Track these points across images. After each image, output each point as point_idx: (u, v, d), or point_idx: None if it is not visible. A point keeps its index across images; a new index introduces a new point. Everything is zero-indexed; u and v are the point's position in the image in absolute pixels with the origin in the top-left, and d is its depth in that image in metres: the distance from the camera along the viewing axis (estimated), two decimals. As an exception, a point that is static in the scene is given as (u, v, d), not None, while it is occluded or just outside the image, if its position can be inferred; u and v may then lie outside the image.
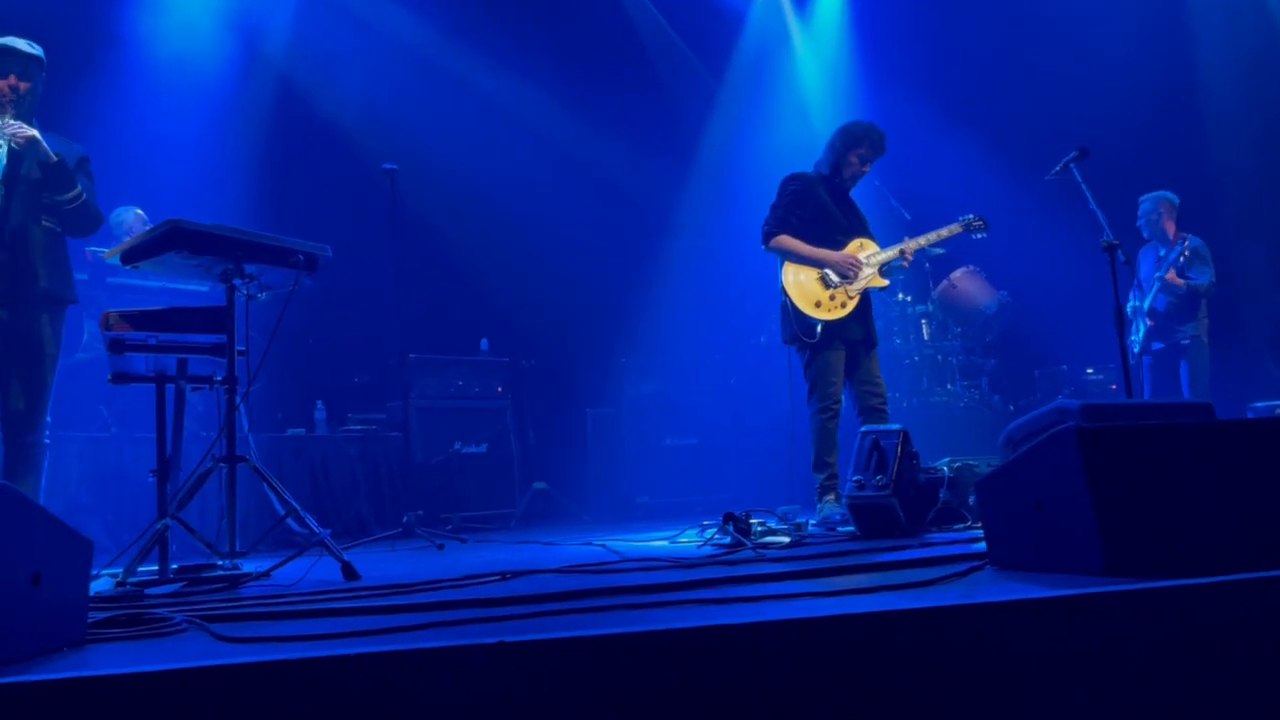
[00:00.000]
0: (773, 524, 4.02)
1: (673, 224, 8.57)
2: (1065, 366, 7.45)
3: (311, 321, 6.51)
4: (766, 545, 3.55)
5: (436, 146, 7.51)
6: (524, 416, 7.40)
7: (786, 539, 3.74)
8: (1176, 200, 6.64)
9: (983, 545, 2.77)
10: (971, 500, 3.97)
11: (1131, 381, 4.61)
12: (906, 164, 6.74)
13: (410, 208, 6.41)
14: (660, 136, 8.66)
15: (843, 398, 4.70)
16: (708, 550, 3.62)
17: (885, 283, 4.80)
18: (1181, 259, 6.35)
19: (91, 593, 2.43)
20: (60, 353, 4.04)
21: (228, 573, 3.25)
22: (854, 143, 4.79)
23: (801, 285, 4.71)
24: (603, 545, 4.14)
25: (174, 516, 3.27)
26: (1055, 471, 2.31)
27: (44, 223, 3.98)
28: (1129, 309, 6.48)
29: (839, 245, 4.77)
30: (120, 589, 3.00)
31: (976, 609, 1.78)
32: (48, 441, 3.98)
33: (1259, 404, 6.25)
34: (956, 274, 7.14)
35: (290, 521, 3.43)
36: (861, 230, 4.89)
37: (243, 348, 3.52)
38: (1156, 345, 6.57)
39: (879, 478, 3.84)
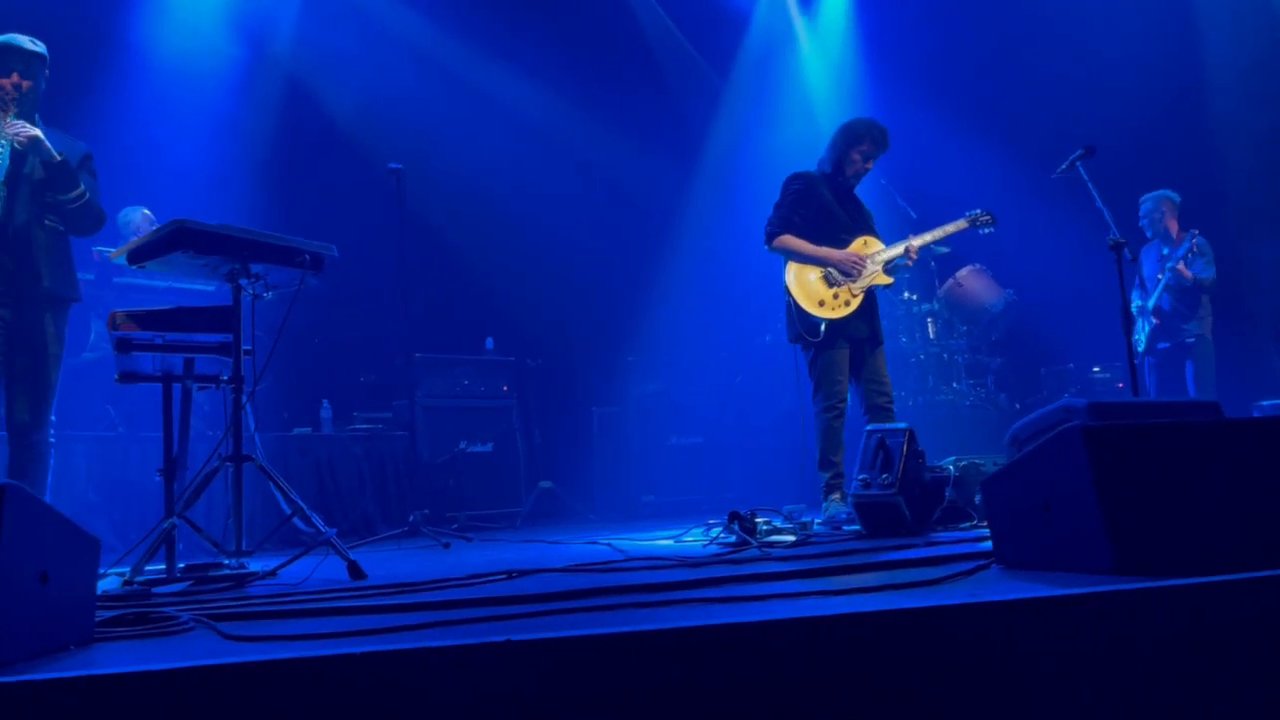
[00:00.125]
0: (778, 523, 4.02)
1: (678, 223, 8.57)
2: (1071, 365, 7.44)
3: (317, 321, 6.52)
4: (772, 544, 3.54)
5: (442, 146, 7.52)
6: (529, 416, 7.41)
7: (792, 538, 3.73)
8: (1178, 199, 6.64)
9: (989, 544, 2.77)
10: (977, 499, 3.96)
11: (1139, 380, 4.60)
12: (912, 162, 6.75)
13: (416, 207, 6.42)
14: (665, 136, 8.67)
15: (848, 396, 4.69)
16: (713, 549, 3.62)
17: (890, 280, 4.79)
18: (1190, 254, 6.36)
19: (99, 591, 2.44)
20: (64, 352, 4.02)
21: (234, 571, 3.26)
22: (855, 140, 4.78)
23: (805, 284, 4.71)
24: (608, 544, 4.14)
25: (181, 515, 3.28)
26: (1062, 470, 2.30)
27: (47, 222, 3.96)
28: (1133, 309, 6.47)
29: (843, 243, 4.76)
30: (127, 588, 3.01)
31: (983, 608, 1.78)
32: (53, 440, 3.97)
33: (1265, 402, 6.23)
34: (962, 272, 7.13)
35: (296, 520, 3.43)
36: (865, 228, 4.87)
37: (249, 347, 3.53)
38: (1161, 344, 6.56)
39: (885, 476, 3.83)
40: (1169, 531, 2.18)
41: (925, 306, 7.17)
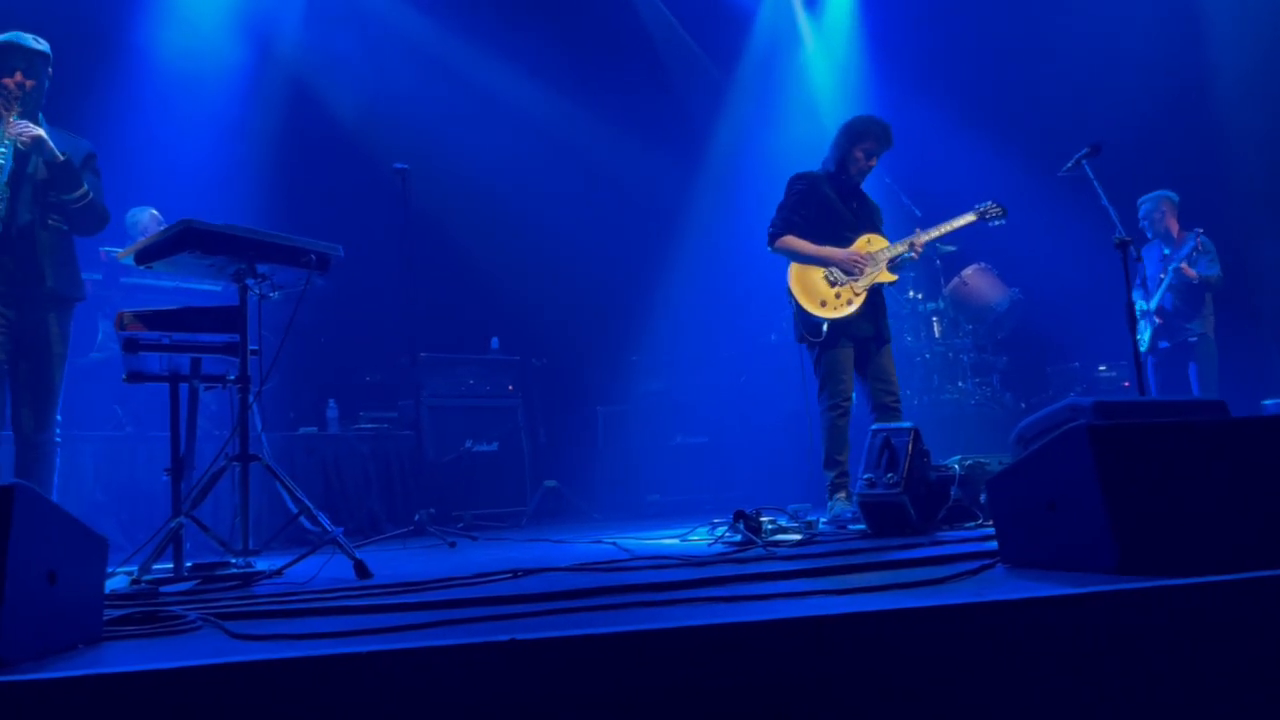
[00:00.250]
0: (783, 522, 4.02)
1: (683, 222, 8.56)
2: (1077, 363, 7.43)
3: (324, 321, 6.53)
4: (777, 543, 3.54)
5: (447, 146, 7.53)
6: (535, 415, 7.42)
7: (797, 537, 3.74)
8: (1176, 198, 6.63)
9: (994, 543, 2.76)
10: (983, 498, 3.96)
11: (1145, 379, 4.59)
12: (917, 161, 6.73)
13: (421, 207, 6.42)
14: (670, 134, 8.67)
15: (853, 395, 4.69)
16: (718, 548, 3.62)
17: (892, 278, 4.76)
18: (1194, 252, 6.34)
19: (107, 590, 2.44)
20: (68, 351, 4.02)
21: (241, 570, 3.27)
22: (857, 138, 4.77)
23: (806, 284, 4.72)
24: (613, 543, 4.14)
25: (188, 515, 3.29)
26: (1067, 469, 2.30)
27: (50, 222, 3.95)
28: (1135, 309, 6.46)
29: (846, 242, 4.76)
30: (135, 587, 3.02)
31: (988, 607, 1.78)
32: (58, 440, 3.98)
33: (1271, 401, 6.21)
34: (968, 271, 7.12)
35: (303, 520, 3.44)
36: (870, 226, 4.85)
37: (255, 347, 3.53)
38: (1163, 344, 6.54)
39: (890, 476, 3.83)
40: (1174, 531, 2.18)
41: (930, 305, 7.16)
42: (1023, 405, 7.10)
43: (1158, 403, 3.37)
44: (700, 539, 4.15)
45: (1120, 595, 1.80)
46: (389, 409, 6.81)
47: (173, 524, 3.28)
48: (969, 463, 4.18)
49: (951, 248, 7.21)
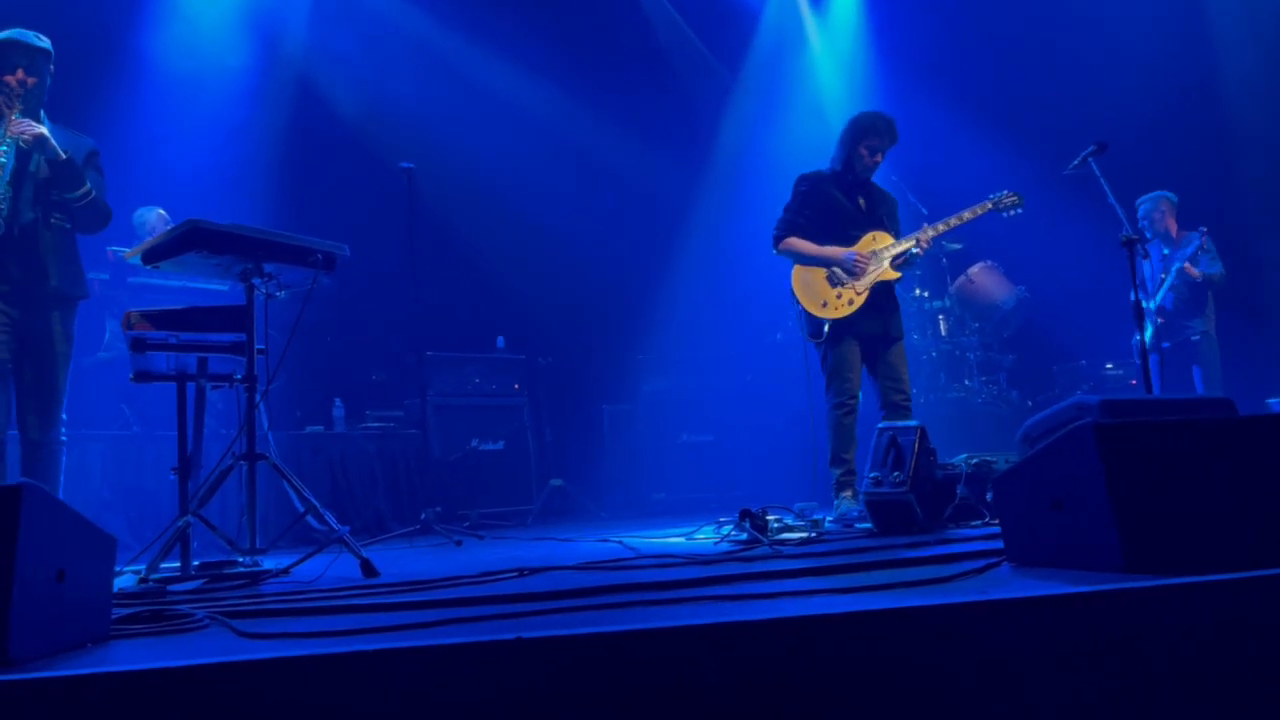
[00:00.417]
0: (789, 520, 4.02)
1: (688, 221, 8.56)
2: (1084, 361, 7.41)
3: (330, 320, 6.54)
4: (783, 542, 3.55)
5: (453, 145, 7.54)
6: (541, 413, 7.42)
7: (803, 535, 3.74)
8: (1175, 198, 6.63)
9: (1000, 542, 2.76)
10: (989, 497, 3.95)
11: (1151, 377, 4.58)
12: (923, 160, 6.73)
13: (427, 206, 6.44)
14: (675, 134, 8.66)
15: (860, 393, 4.68)
16: (724, 547, 3.62)
17: (896, 275, 4.70)
18: (1199, 251, 6.33)
19: (115, 589, 2.45)
20: (72, 350, 4.00)
21: (248, 569, 3.28)
22: (861, 135, 4.75)
23: (808, 286, 4.73)
24: (619, 542, 4.15)
25: (195, 514, 3.30)
26: (1073, 468, 2.30)
27: (53, 220, 3.92)
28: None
29: (851, 240, 4.74)
30: (143, 585, 3.03)
31: (994, 606, 1.78)
32: (64, 439, 3.97)
33: (1276, 399, 6.20)
34: (974, 269, 7.11)
35: (310, 518, 3.45)
36: (877, 223, 4.80)
37: (262, 346, 3.54)
38: (1165, 344, 6.53)
39: (896, 474, 3.83)
40: (1181, 529, 2.17)
41: (937, 303, 7.15)
42: (1029, 403, 7.08)
43: (1165, 401, 3.35)
44: (706, 537, 4.15)
45: (1126, 594, 1.80)
46: (395, 408, 6.83)
47: (180, 523, 3.29)
48: (975, 461, 4.17)
49: (958, 245, 7.19)
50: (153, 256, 3.37)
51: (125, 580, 3.20)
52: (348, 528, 3.49)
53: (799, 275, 4.77)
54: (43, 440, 3.89)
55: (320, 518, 3.39)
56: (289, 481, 3.43)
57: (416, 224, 5.56)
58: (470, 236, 7.82)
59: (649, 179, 8.39)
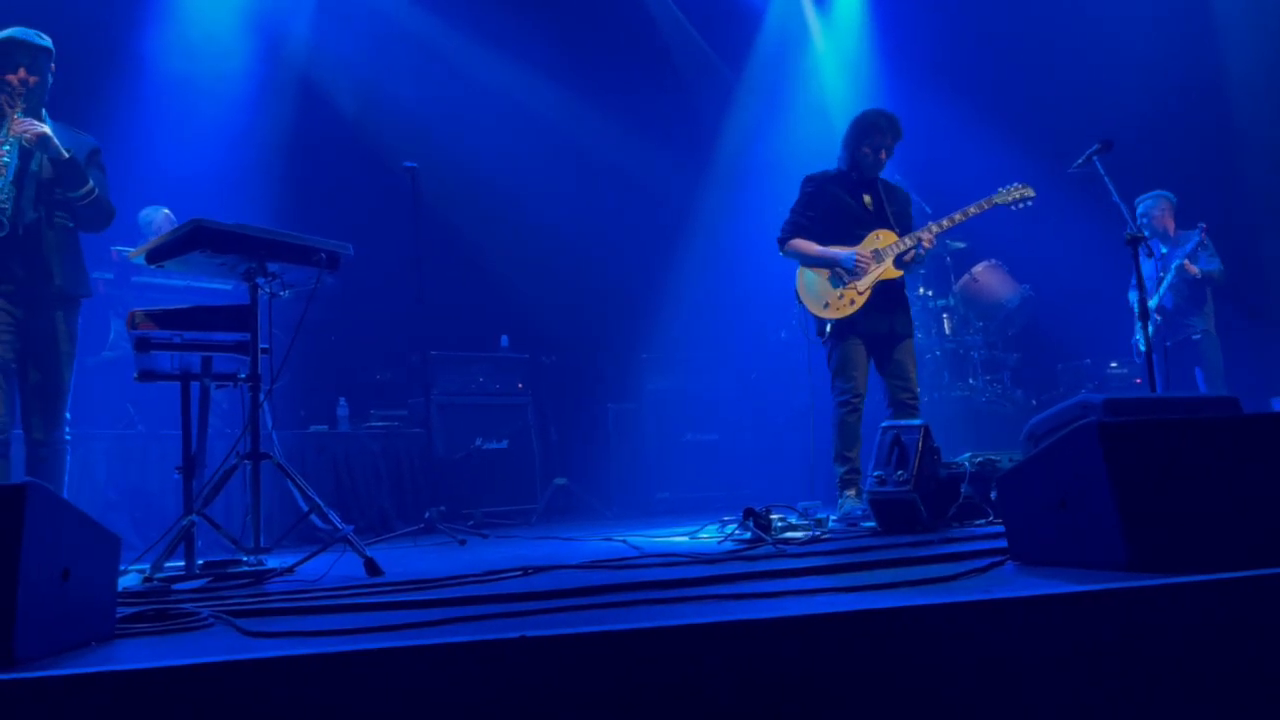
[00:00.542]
0: (793, 519, 4.02)
1: (692, 220, 8.56)
2: (1088, 360, 7.39)
3: (334, 319, 6.55)
4: (787, 541, 3.55)
5: (457, 144, 7.54)
6: (545, 412, 7.43)
7: (807, 534, 3.73)
8: (1174, 198, 6.62)
9: (1004, 541, 2.76)
10: (993, 495, 3.95)
11: (1155, 376, 4.57)
12: (928, 158, 6.72)
13: (431, 206, 6.43)
14: (679, 132, 8.66)
15: (865, 392, 4.67)
16: (728, 546, 3.62)
17: (897, 273, 4.66)
18: (1198, 248, 6.33)
19: (119, 588, 2.46)
20: (76, 349, 4.00)
21: (253, 568, 3.28)
22: (864, 133, 4.74)
23: (810, 287, 4.75)
24: (623, 541, 4.15)
25: (200, 513, 3.30)
26: (1078, 466, 2.29)
27: (56, 219, 3.91)
28: (1135, 309, 6.44)
29: (856, 239, 4.73)
30: (147, 584, 3.04)
31: (998, 604, 1.78)
32: (69, 438, 3.97)
33: None
34: (978, 268, 7.10)
35: (314, 517, 3.46)
36: (884, 221, 4.75)
37: (266, 345, 3.54)
38: (1166, 343, 6.51)
39: (900, 473, 3.83)
40: (1185, 528, 2.17)
41: (941, 302, 7.14)
42: (1033, 402, 7.08)
43: (1170, 400, 3.35)
44: (710, 536, 4.15)
45: (1130, 593, 1.80)
46: (399, 407, 6.83)
47: (184, 522, 3.30)
48: (979, 460, 4.17)
49: (961, 244, 7.19)
50: (157, 256, 3.37)
51: (130, 579, 3.20)
52: (352, 527, 3.50)
53: (802, 276, 4.79)
54: (47, 440, 3.88)
55: (324, 517, 3.40)
56: (293, 480, 3.44)
57: (420, 223, 5.55)
58: (474, 236, 7.82)
59: (652, 178, 8.39)
